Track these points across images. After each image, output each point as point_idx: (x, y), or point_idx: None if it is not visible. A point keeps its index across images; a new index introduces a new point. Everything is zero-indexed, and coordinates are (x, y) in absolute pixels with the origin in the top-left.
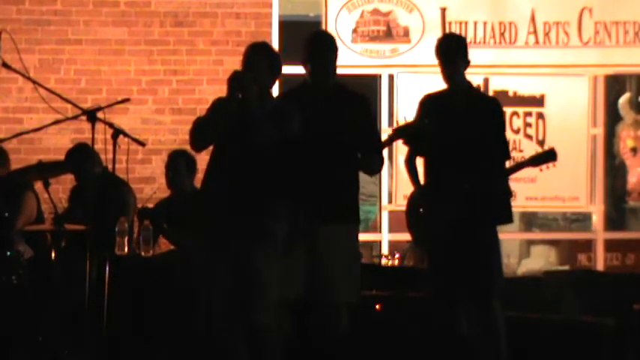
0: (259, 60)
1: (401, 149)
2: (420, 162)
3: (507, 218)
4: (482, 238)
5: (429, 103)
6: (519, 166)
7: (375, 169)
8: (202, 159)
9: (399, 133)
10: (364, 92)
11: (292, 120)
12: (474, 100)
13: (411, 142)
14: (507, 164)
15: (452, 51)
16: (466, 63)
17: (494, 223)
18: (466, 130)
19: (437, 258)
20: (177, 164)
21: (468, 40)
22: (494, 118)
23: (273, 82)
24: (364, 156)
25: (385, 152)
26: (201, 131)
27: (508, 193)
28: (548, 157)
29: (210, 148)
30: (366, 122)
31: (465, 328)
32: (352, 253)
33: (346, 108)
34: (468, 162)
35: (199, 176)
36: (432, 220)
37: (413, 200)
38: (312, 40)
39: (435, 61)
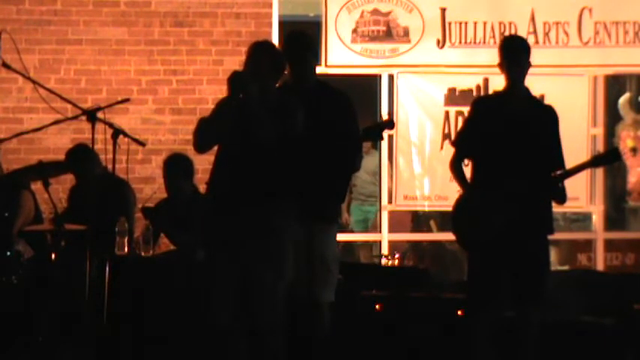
0: (262, 58)
1: (401, 149)
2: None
3: (551, 229)
4: (538, 243)
5: (483, 105)
6: (580, 167)
7: None
8: (202, 159)
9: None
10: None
11: (296, 116)
12: (534, 107)
13: (457, 144)
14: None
15: (519, 52)
16: (529, 66)
17: (547, 231)
18: (528, 136)
19: (480, 265)
20: (172, 170)
21: (468, 40)
22: (554, 127)
23: (277, 80)
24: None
25: (385, 152)
26: (205, 132)
27: (563, 198)
28: (611, 157)
29: (215, 149)
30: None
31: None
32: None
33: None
34: (527, 169)
35: (198, 177)
36: (481, 226)
37: (461, 202)
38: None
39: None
